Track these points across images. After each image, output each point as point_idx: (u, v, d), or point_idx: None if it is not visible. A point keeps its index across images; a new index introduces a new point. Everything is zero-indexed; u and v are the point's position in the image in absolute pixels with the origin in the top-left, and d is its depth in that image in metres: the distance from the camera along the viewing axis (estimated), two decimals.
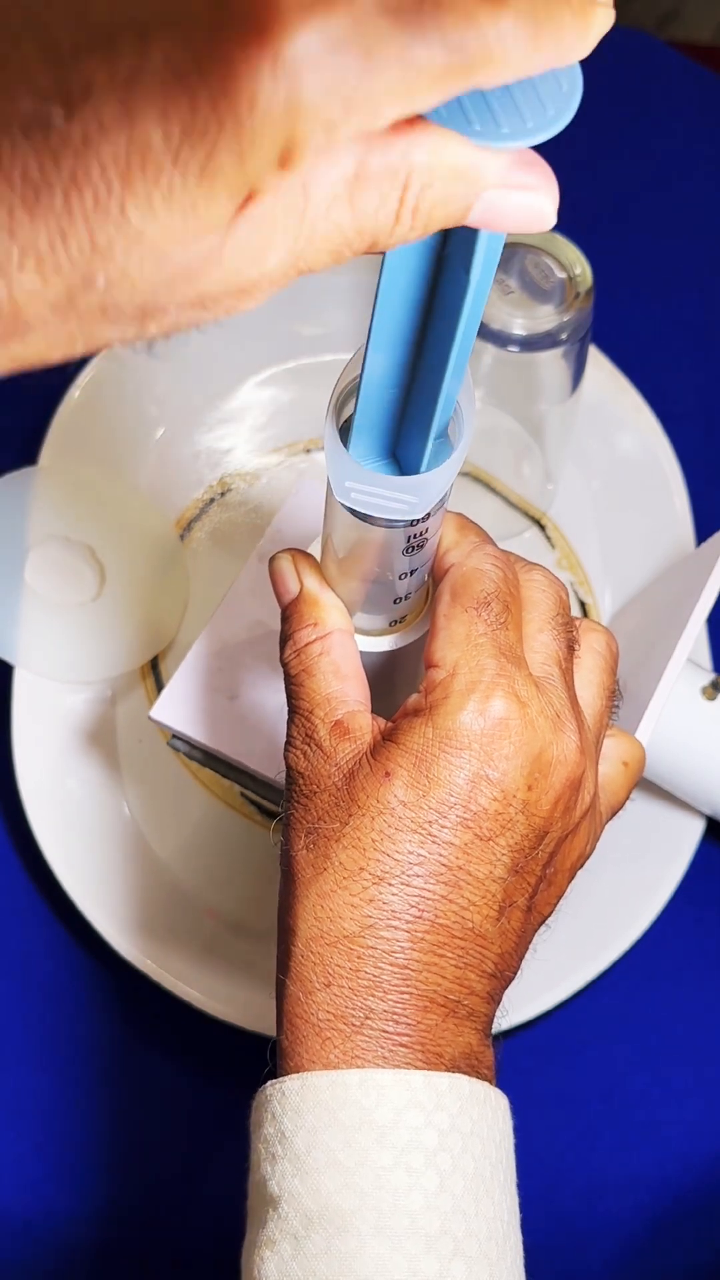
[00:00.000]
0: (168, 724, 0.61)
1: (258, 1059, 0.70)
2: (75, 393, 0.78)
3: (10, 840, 0.73)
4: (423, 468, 0.44)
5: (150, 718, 0.61)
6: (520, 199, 0.37)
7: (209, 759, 0.62)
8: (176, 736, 0.62)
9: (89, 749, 0.72)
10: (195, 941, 0.70)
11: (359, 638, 0.53)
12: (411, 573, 0.50)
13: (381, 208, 0.34)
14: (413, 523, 0.47)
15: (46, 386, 0.81)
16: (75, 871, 0.70)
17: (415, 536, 0.48)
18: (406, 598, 0.52)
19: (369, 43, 0.30)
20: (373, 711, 0.54)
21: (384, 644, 0.53)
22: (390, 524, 0.46)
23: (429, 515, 0.47)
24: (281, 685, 0.58)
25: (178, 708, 0.61)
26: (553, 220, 0.38)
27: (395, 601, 0.52)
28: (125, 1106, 0.69)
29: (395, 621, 0.53)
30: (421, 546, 0.49)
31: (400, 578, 0.50)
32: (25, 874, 0.72)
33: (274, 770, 0.58)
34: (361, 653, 0.53)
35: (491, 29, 0.31)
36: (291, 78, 0.29)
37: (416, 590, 0.52)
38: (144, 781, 0.72)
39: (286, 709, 0.53)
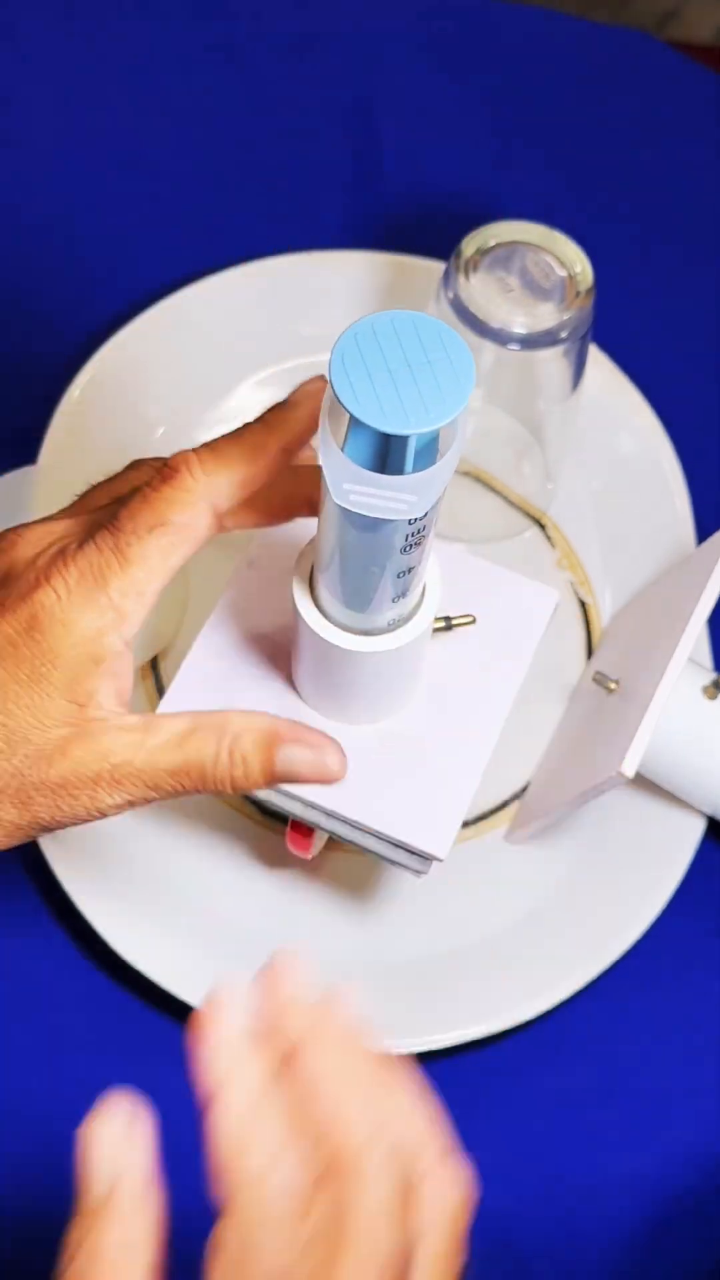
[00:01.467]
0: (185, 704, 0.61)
1: None
2: (75, 393, 0.78)
3: None
4: (418, 468, 0.44)
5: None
6: (304, 755, 0.51)
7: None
8: None
9: None
10: (195, 941, 0.70)
11: (358, 639, 0.53)
12: (409, 570, 0.50)
13: (201, 752, 0.50)
14: (411, 520, 0.47)
15: (46, 386, 0.81)
16: (75, 871, 0.69)
17: (414, 534, 0.48)
18: (405, 595, 0.52)
19: None
20: (375, 712, 0.54)
21: (384, 643, 0.53)
22: (390, 524, 0.46)
23: (424, 516, 0.47)
24: (281, 689, 0.58)
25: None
26: (339, 773, 0.51)
27: (394, 600, 0.51)
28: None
29: (394, 620, 0.53)
30: (420, 543, 0.49)
31: (399, 575, 0.50)
32: (25, 874, 0.72)
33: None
34: (364, 654, 0.53)
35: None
36: None
37: (415, 585, 0.52)
38: None
39: (285, 713, 0.53)
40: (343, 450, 0.44)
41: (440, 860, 0.57)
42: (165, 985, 0.68)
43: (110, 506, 0.53)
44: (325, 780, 0.52)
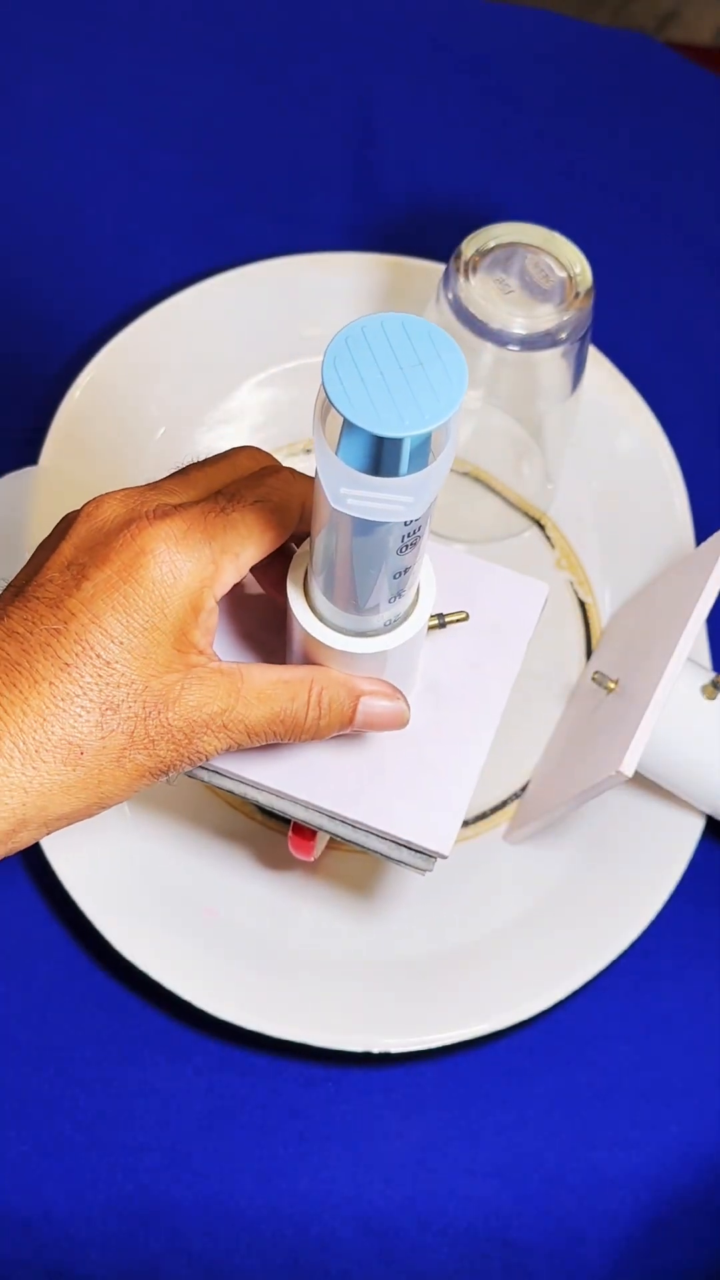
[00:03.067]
0: None
1: (257, 1057, 0.71)
2: (75, 393, 0.78)
3: None
4: (413, 469, 0.44)
5: None
6: (383, 704, 0.55)
7: (214, 778, 0.61)
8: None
9: None
10: (195, 940, 0.70)
11: (356, 640, 0.53)
12: (405, 571, 0.50)
13: (294, 701, 0.53)
14: (407, 522, 0.47)
15: (48, 387, 0.81)
16: (76, 870, 0.70)
17: (409, 535, 0.48)
18: (400, 595, 0.52)
19: None
20: None
21: (380, 644, 0.53)
22: (386, 525, 0.46)
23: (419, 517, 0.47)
24: None
25: None
26: (408, 717, 0.56)
27: (390, 601, 0.52)
28: (126, 1105, 0.69)
29: (390, 620, 0.53)
30: (415, 544, 0.49)
31: (394, 577, 0.50)
32: (26, 873, 0.72)
33: (283, 790, 0.58)
34: (360, 655, 0.53)
35: None
36: None
37: (409, 585, 0.52)
38: None
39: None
40: (336, 454, 0.44)
41: (444, 857, 0.57)
42: (166, 984, 0.68)
43: (207, 476, 0.55)
44: (396, 725, 0.55)
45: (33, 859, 0.72)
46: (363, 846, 0.59)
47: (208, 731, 0.52)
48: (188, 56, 0.91)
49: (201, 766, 0.60)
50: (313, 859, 0.63)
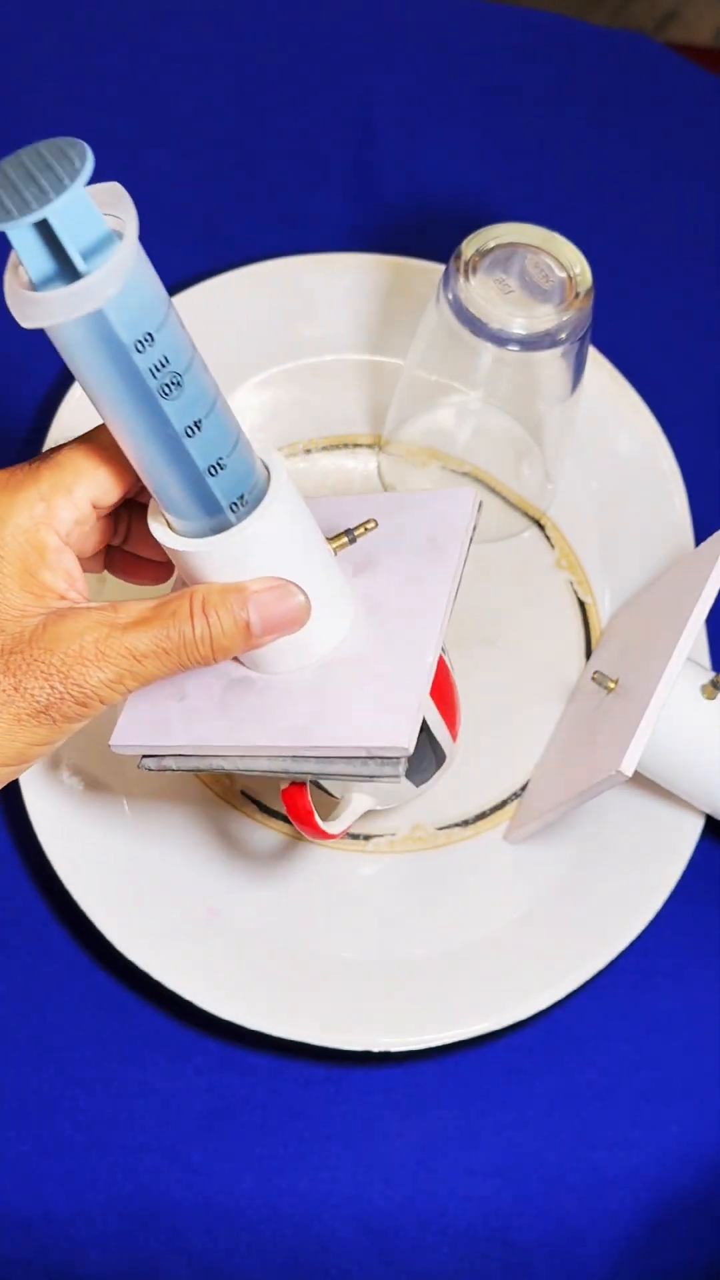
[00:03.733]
0: (130, 746, 0.60)
1: (257, 1057, 0.71)
2: (76, 392, 0.78)
3: (12, 839, 0.73)
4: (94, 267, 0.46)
5: (111, 747, 0.60)
6: (273, 597, 0.53)
7: (182, 761, 0.61)
8: (146, 756, 0.61)
9: (89, 747, 0.72)
10: (195, 940, 0.70)
11: (213, 538, 0.53)
12: (197, 426, 0.50)
13: (176, 616, 0.53)
14: (141, 347, 0.48)
15: (48, 387, 0.81)
16: (76, 869, 0.70)
17: (163, 371, 0.48)
18: (222, 467, 0.51)
19: None
20: (306, 640, 0.56)
21: (242, 532, 0.53)
22: (113, 344, 0.47)
23: (152, 338, 0.48)
24: (229, 676, 0.58)
25: (134, 729, 0.60)
26: (307, 607, 0.54)
27: (211, 473, 0.51)
28: (126, 1105, 0.69)
29: (242, 506, 0.52)
30: (179, 384, 0.49)
31: (188, 434, 0.50)
32: (26, 873, 0.72)
33: (239, 744, 0.57)
34: (225, 552, 0.53)
35: None
36: None
37: (227, 453, 0.51)
38: (144, 779, 0.73)
39: (231, 681, 0.56)
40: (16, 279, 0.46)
41: (406, 752, 0.55)
42: (166, 984, 0.68)
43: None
44: (297, 620, 0.54)
45: (33, 859, 0.72)
46: (330, 776, 0.57)
47: (86, 662, 0.52)
48: (187, 56, 0.91)
49: (173, 758, 0.59)
50: (336, 834, 0.61)
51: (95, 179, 0.96)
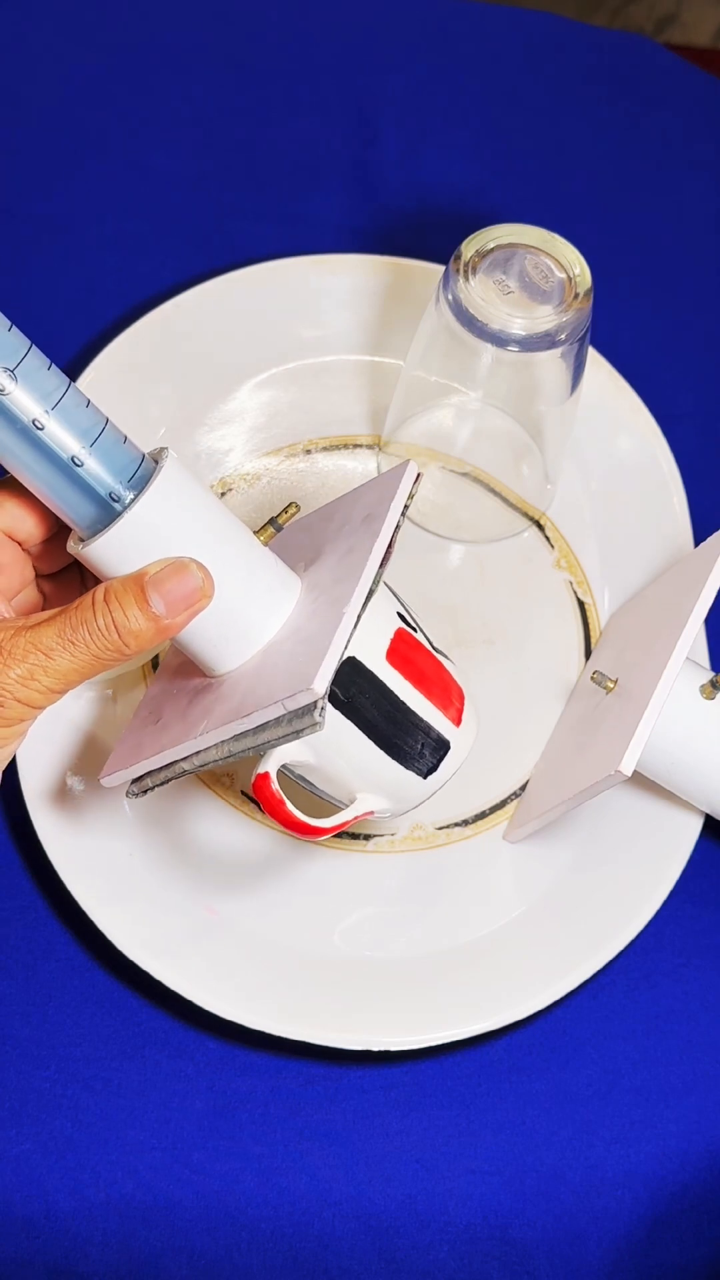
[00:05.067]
0: (115, 775, 0.61)
1: (258, 1055, 0.71)
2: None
3: (12, 838, 0.73)
4: None
5: (101, 783, 0.62)
6: (167, 574, 0.55)
7: (154, 777, 0.61)
8: (134, 783, 0.61)
9: (90, 748, 0.72)
10: (195, 939, 0.70)
11: (104, 534, 0.55)
12: (37, 424, 0.53)
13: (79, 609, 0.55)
14: None
15: None
16: (76, 869, 0.70)
17: None
18: (84, 460, 0.54)
19: None
20: (240, 629, 0.58)
21: (130, 517, 0.55)
22: None
23: None
24: (203, 702, 0.59)
25: (117, 760, 0.61)
26: (207, 580, 0.55)
27: (76, 463, 0.54)
28: (126, 1104, 0.69)
29: (116, 496, 0.54)
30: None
31: (36, 426, 0.53)
32: (26, 872, 0.72)
33: (193, 744, 0.58)
34: (116, 543, 0.55)
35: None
36: None
37: (97, 448, 0.54)
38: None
39: (195, 692, 0.58)
40: None
41: (315, 694, 0.54)
42: (167, 983, 0.68)
43: None
44: (200, 593, 0.55)
45: (34, 858, 0.72)
46: (264, 746, 0.57)
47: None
48: (188, 57, 0.91)
49: (139, 778, 0.60)
50: (310, 827, 0.60)
51: (96, 178, 0.97)
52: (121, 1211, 0.68)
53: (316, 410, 0.81)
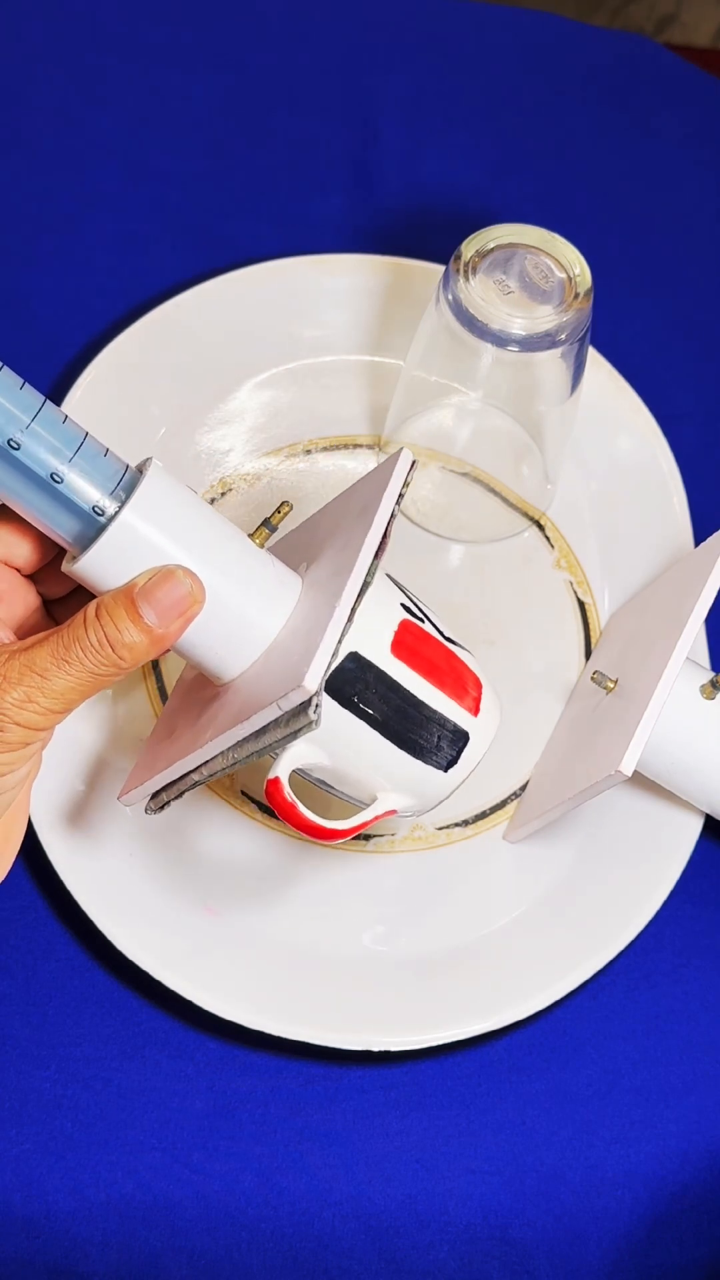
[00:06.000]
0: (133, 792, 0.61)
1: (257, 1055, 0.71)
2: (76, 393, 0.78)
3: None
4: None
5: (123, 804, 0.62)
6: (156, 583, 0.55)
7: (169, 791, 0.61)
8: (151, 799, 0.61)
9: (90, 748, 0.72)
10: (195, 939, 0.70)
11: (92, 548, 0.55)
12: (13, 443, 0.53)
13: (72, 626, 0.55)
14: None
15: (49, 388, 0.81)
16: (76, 869, 0.70)
17: None
18: (63, 476, 0.54)
19: None
20: (238, 633, 0.57)
21: (115, 528, 0.54)
22: None
23: None
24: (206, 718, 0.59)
25: (136, 780, 0.61)
26: (196, 585, 0.55)
27: (55, 480, 0.54)
28: (126, 1104, 0.69)
29: (100, 508, 0.55)
30: None
31: (11, 446, 0.53)
32: (26, 872, 0.72)
33: (201, 754, 0.58)
34: (106, 556, 0.55)
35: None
36: None
37: (77, 462, 0.54)
38: None
39: (206, 704, 0.57)
40: None
41: (308, 692, 0.54)
42: (166, 983, 0.68)
43: None
44: (191, 599, 0.55)
45: (34, 858, 0.72)
46: (268, 749, 0.57)
47: None
48: (187, 57, 0.91)
49: (156, 793, 0.60)
50: (325, 830, 0.59)
51: (97, 178, 0.97)
52: (121, 1211, 0.68)
53: (316, 410, 0.81)
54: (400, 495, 0.59)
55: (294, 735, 0.55)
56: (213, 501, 0.79)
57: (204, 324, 0.82)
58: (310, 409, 0.81)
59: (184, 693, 0.63)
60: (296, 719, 0.55)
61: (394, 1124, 0.69)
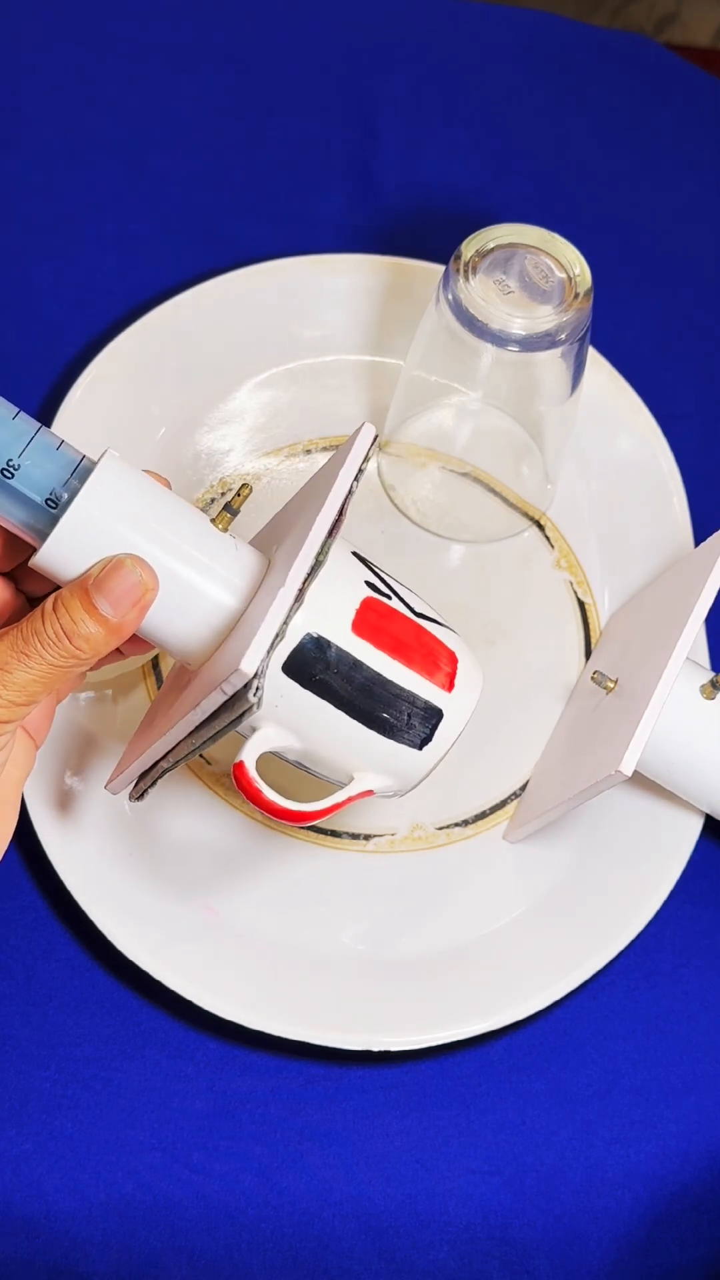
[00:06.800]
0: (121, 783, 0.61)
1: (257, 1055, 0.71)
2: (76, 393, 0.78)
3: (12, 839, 0.73)
4: None
5: (110, 792, 0.62)
6: (106, 573, 0.55)
7: (145, 780, 0.61)
8: (138, 782, 0.61)
9: (89, 748, 0.72)
10: (195, 939, 0.70)
11: (52, 537, 0.55)
12: None
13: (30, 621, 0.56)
14: None
15: (49, 388, 0.81)
16: (76, 869, 0.70)
17: None
18: (16, 468, 0.55)
19: None
20: (183, 626, 0.57)
21: (69, 517, 0.55)
22: None
23: None
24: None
25: (120, 769, 0.62)
26: (147, 572, 0.55)
27: (6, 473, 0.54)
28: (126, 1104, 0.69)
29: (53, 498, 0.55)
30: None
31: None
32: (26, 872, 0.72)
33: (168, 741, 0.58)
34: (59, 549, 0.55)
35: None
36: None
37: (28, 455, 0.55)
38: None
39: (181, 693, 0.58)
40: None
41: (246, 676, 0.53)
42: (166, 983, 0.68)
43: None
44: (143, 587, 0.55)
45: (34, 859, 0.72)
46: (219, 734, 0.57)
47: None
48: (188, 57, 0.91)
49: (164, 764, 0.60)
50: (293, 813, 0.58)
51: (97, 178, 0.97)
52: (121, 1211, 0.68)
53: (316, 410, 0.81)
54: (360, 471, 0.58)
55: (239, 719, 0.55)
56: (212, 502, 0.79)
57: (204, 324, 0.82)
58: (310, 409, 0.81)
59: (170, 681, 0.64)
60: (238, 702, 0.55)
61: (394, 1124, 0.69)
